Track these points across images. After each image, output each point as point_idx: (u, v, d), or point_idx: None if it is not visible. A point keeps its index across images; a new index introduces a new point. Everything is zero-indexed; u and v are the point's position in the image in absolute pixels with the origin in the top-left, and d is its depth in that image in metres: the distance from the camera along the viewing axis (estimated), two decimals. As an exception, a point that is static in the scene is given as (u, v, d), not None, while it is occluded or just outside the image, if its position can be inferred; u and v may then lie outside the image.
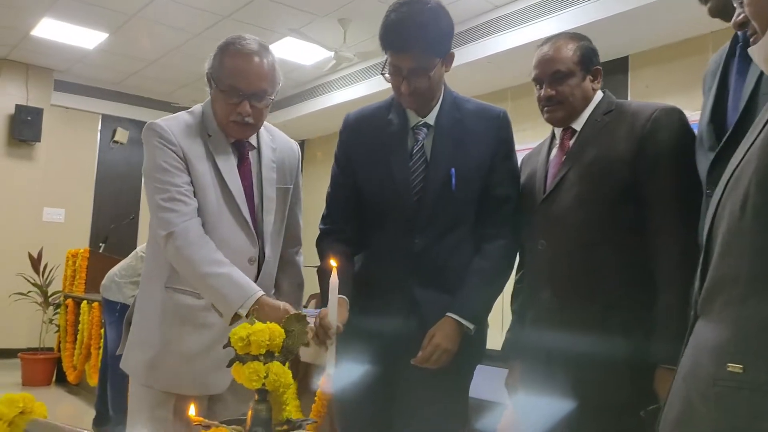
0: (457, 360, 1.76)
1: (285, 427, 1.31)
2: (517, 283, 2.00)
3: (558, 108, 1.82)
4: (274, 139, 2.04)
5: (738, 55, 1.53)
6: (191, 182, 1.84)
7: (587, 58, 1.82)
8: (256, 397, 1.28)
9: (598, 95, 1.86)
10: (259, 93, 1.86)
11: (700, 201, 1.54)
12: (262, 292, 1.73)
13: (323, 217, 1.99)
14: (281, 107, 8.64)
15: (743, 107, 1.42)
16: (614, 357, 1.65)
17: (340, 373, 1.78)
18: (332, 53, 6.44)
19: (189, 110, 1.96)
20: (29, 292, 6.63)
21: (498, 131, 1.89)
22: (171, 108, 7.46)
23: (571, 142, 1.83)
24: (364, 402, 1.83)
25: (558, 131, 1.89)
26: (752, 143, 1.01)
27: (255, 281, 1.87)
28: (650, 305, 1.64)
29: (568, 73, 1.80)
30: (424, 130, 1.88)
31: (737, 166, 1.03)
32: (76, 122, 8.48)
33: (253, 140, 1.97)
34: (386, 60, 1.81)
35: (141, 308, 1.97)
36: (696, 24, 4.94)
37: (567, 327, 1.73)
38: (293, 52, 7.04)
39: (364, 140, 1.93)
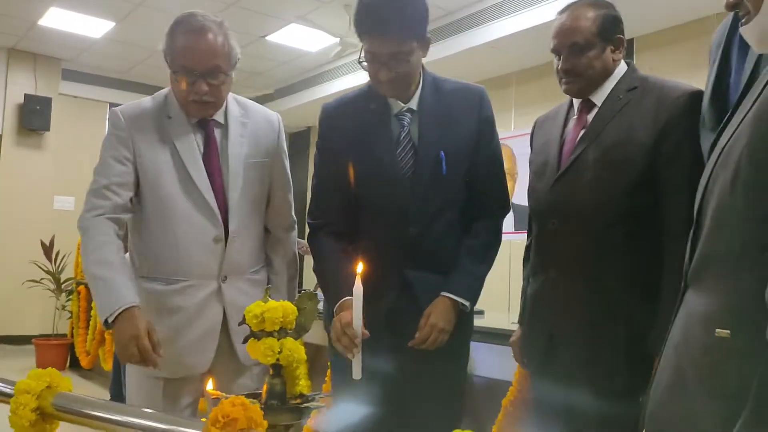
0: (451, 340, 1.77)
1: (298, 400, 1.36)
2: (527, 249, 1.96)
3: (576, 81, 1.75)
4: (247, 113, 1.98)
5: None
6: (134, 171, 1.84)
7: (608, 28, 1.73)
8: (271, 371, 1.33)
9: (622, 67, 1.77)
10: (212, 70, 1.80)
11: None
12: (133, 304, 1.71)
13: (310, 211, 1.94)
14: (287, 94, 8.65)
15: (743, 87, 1.38)
16: (615, 343, 1.65)
17: (336, 361, 1.78)
18: (337, 39, 6.44)
19: (154, 95, 1.94)
20: (42, 279, 6.72)
21: (480, 110, 1.87)
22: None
23: (590, 116, 1.77)
24: (363, 388, 1.79)
25: (576, 101, 1.82)
26: (743, 118, 1.03)
27: (222, 260, 1.88)
28: (655, 293, 1.60)
29: (587, 45, 1.71)
30: (408, 115, 1.84)
31: (728, 140, 1.05)
32: (84, 111, 8.51)
33: (220, 117, 1.92)
34: (362, 48, 1.76)
35: None
36: (700, 6, 4.93)
37: (569, 308, 1.72)
38: (299, 38, 7.06)
39: (345, 130, 1.87)
